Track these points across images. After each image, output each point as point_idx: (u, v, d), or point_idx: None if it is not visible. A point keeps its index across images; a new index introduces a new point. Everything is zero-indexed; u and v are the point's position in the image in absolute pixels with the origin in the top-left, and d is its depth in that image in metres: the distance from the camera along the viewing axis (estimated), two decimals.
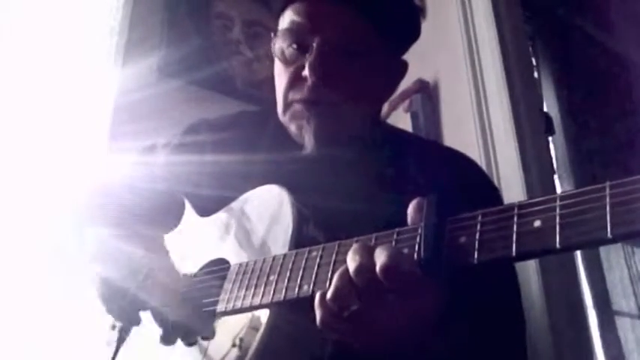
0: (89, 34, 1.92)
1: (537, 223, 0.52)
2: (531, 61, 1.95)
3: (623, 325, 1.84)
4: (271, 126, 1.01)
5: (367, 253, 0.60)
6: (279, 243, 0.76)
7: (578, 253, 1.80)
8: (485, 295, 0.75)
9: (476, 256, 0.54)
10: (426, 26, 2.09)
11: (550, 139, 1.88)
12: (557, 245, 0.50)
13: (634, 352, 1.79)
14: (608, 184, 0.48)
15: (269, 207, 0.82)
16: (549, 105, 2.03)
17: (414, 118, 1.92)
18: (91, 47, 1.90)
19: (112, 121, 1.78)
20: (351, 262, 0.60)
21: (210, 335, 0.78)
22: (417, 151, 1.01)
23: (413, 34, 1.03)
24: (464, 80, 1.83)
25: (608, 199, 0.47)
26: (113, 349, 0.90)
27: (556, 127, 1.94)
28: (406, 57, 1.06)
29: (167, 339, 0.81)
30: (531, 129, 1.70)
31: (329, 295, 0.61)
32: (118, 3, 1.99)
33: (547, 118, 1.89)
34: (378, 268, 0.58)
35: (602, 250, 1.96)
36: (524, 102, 1.73)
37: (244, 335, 0.72)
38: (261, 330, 0.71)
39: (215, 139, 1.05)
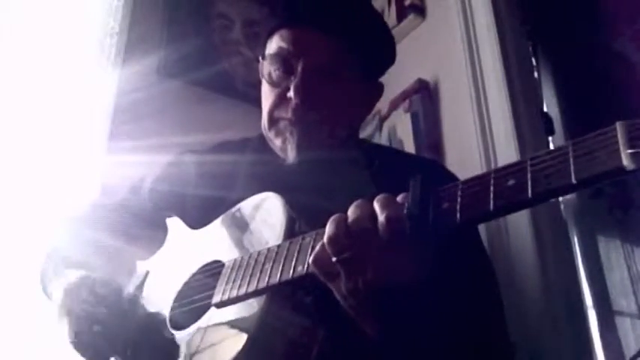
0: (89, 34, 1.92)
1: (511, 182, 0.57)
2: (531, 61, 1.94)
3: (623, 325, 1.84)
4: (252, 148, 1.10)
5: (367, 207, 0.66)
6: (273, 238, 0.79)
7: (578, 253, 1.80)
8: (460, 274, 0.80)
9: (458, 216, 0.60)
10: (426, 26, 2.11)
11: (550, 139, 1.88)
12: (529, 195, 0.55)
13: (634, 352, 1.79)
14: (570, 142, 0.55)
15: (263, 211, 0.85)
16: (549, 105, 2.03)
17: (414, 118, 1.91)
18: (91, 47, 1.90)
19: (111, 121, 1.78)
20: (352, 213, 0.66)
21: None
22: (393, 161, 1.07)
23: (388, 58, 1.11)
24: (464, 80, 1.83)
25: (571, 153, 0.54)
26: None
27: (556, 127, 1.94)
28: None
29: None
30: (531, 129, 1.70)
31: (325, 238, 0.66)
32: (118, 3, 1.99)
33: (547, 118, 1.88)
34: (380, 215, 0.64)
35: (602, 250, 1.96)
36: (524, 102, 1.73)
37: None
38: (252, 325, 0.71)
39: (200, 162, 1.12)
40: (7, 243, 1.47)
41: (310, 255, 0.69)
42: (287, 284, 0.71)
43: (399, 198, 0.66)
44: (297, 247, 0.72)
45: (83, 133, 1.75)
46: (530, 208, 1.57)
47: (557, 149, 0.56)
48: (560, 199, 1.82)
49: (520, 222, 1.52)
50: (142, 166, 1.17)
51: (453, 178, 1.04)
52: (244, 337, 0.70)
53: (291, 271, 0.71)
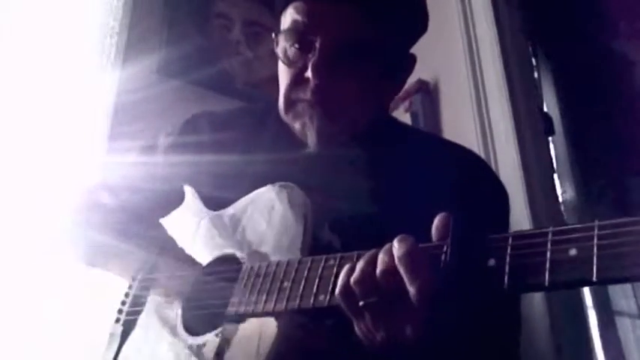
0: (89, 34, 1.92)
1: (573, 252, 0.48)
2: (531, 61, 1.94)
3: (623, 325, 1.84)
4: (272, 122, 0.99)
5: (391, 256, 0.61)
6: (293, 246, 0.75)
7: None
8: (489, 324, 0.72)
9: (506, 281, 0.51)
10: None
11: (550, 139, 1.88)
12: (594, 278, 0.47)
13: (634, 352, 1.79)
14: None
15: (280, 206, 0.80)
16: (549, 105, 2.03)
17: (414, 118, 1.91)
18: (91, 47, 1.90)
19: (111, 121, 1.78)
20: (380, 263, 0.61)
21: None
22: (424, 148, 0.99)
23: (420, 27, 1.00)
24: (464, 80, 1.83)
25: None
26: (117, 341, 0.91)
27: (556, 127, 1.94)
28: None
29: None
30: (531, 129, 1.70)
31: (352, 280, 0.62)
32: (118, 3, 1.99)
33: (547, 118, 1.88)
34: (396, 257, 0.59)
35: None
36: (524, 102, 1.73)
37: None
38: (272, 340, 0.69)
39: (214, 136, 1.04)
40: (6, 243, 1.47)
41: (335, 287, 0.64)
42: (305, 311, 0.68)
43: (434, 235, 0.59)
44: (319, 270, 0.68)
45: (83, 133, 1.75)
46: (528, 205, 1.57)
47: (632, 222, 0.46)
48: (560, 199, 1.82)
49: (520, 222, 1.52)
50: (142, 166, 1.17)
51: (493, 180, 0.98)
52: (261, 356, 0.69)
53: (312, 299, 0.66)
